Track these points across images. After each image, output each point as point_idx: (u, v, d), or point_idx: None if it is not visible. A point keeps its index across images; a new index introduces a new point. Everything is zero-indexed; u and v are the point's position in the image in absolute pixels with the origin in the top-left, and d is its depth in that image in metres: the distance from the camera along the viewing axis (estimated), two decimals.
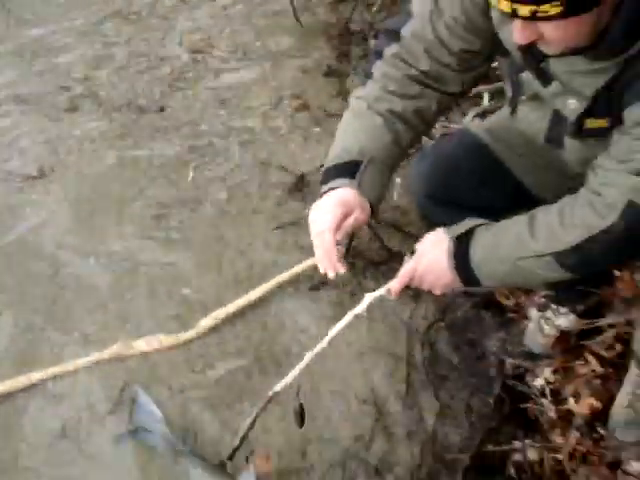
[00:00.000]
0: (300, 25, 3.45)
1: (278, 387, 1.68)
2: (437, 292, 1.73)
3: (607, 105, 1.42)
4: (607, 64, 1.35)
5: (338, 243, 1.57)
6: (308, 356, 1.67)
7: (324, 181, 1.64)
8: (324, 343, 1.67)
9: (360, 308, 1.67)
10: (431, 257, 1.67)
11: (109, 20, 4.13)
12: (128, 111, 3.14)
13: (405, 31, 1.65)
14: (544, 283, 2.09)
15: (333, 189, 1.60)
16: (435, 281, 1.70)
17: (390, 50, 1.66)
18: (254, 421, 1.72)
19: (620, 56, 1.32)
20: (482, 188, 1.88)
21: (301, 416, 1.74)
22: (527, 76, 1.57)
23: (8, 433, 1.89)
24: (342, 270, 1.58)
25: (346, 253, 1.57)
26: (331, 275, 1.59)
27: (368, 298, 1.67)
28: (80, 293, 2.27)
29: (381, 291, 1.68)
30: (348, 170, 1.61)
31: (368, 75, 1.69)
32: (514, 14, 1.24)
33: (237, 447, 1.71)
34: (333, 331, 1.66)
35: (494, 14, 1.49)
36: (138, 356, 2.04)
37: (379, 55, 1.68)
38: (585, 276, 1.72)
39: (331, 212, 1.57)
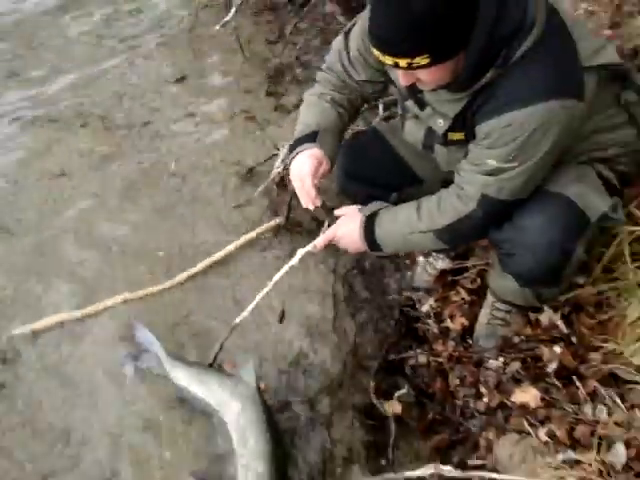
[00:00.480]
0: (245, 58, 3.41)
1: (237, 320, 1.71)
2: (350, 252, 1.82)
3: (464, 123, 1.50)
4: (462, 95, 1.45)
5: (315, 185, 1.62)
6: (259, 296, 1.71)
7: (294, 147, 1.70)
8: (270, 286, 1.69)
9: (294, 260, 1.70)
10: (348, 227, 1.74)
11: None
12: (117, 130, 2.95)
13: (327, 58, 1.76)
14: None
15: (302, 152, 1.66)
16: (349, 245, 1.78)
17: (325, 66, 1.76)
18: (221, 346, 1.73)
19: (468, 90, 1.41)
20: (386, 172, 1.93)
21: (282, 316, 1.87)
22: (410, 102, 1.65)
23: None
24: (319, 203, 1.64)
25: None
26: (311, 207, 1.65)
27: (300, 252, 1.70)
28: None
29: (309, 247, 1.71)
30: (311, 137, 1.68)
31: (316, 81, 1.78)
32: (396, 65, 1.33)
33: (211, 364, 1.72)
34: (276, 277, 1.70)
35: None
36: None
37: (320, 69, 1.78)
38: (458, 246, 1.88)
39: (307, 162, 1.64)
